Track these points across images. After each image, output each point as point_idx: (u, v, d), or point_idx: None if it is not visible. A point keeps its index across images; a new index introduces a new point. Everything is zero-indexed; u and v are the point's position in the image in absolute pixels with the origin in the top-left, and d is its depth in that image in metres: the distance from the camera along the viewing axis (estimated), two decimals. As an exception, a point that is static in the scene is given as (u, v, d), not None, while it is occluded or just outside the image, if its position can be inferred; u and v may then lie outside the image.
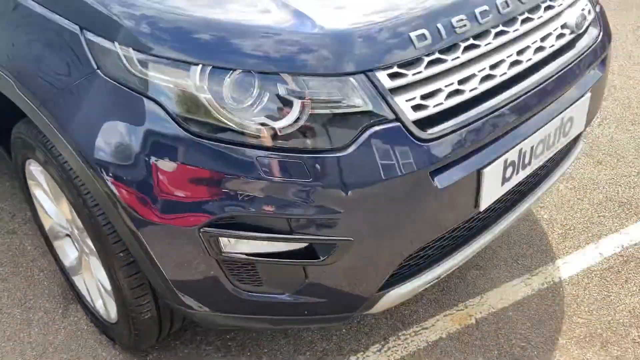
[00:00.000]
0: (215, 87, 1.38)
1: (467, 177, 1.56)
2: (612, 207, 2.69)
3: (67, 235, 2.15)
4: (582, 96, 1.86)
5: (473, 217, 1.74)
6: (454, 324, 2.17)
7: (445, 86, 1.51)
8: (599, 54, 1.95)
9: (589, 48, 1.89)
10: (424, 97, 1.48)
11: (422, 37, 1.47)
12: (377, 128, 1.42)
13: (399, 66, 1.45)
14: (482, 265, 2.40)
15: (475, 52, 1.57)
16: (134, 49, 1.43)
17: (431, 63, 1.49)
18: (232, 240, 1.47)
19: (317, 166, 1.39)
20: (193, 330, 2.14)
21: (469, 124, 1.54)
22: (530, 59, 1.69)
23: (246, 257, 1.49)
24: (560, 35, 1.80)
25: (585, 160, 2.99)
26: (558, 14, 1.80)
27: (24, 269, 2.42)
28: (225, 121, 1.39)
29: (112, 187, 1.47)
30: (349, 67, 1.41)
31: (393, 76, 1.44)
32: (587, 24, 1.90)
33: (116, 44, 1.45)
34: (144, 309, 1.75)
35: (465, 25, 1.54)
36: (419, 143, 1.46)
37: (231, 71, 1.38)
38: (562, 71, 1.78)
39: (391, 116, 1.43)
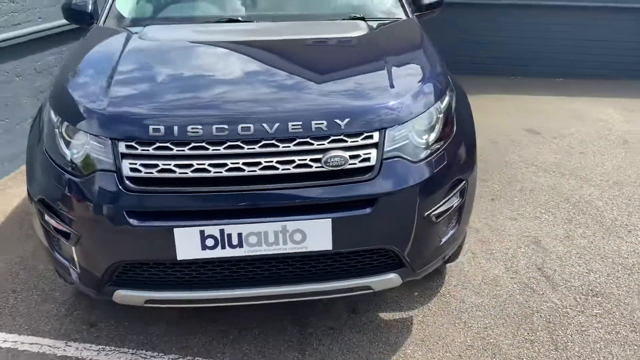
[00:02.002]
0: (61, 128, 2.50)
1: (160, 228, 2.27)
2: (482, 375, 2.64)
3: None
4: (319, 219, 2.28)
5: (200, 266, 2.39)
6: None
7: (163, 164, 2.28)
8: (360, 193, 2.31)
9: (340, 184, 2.30)
10: (143, 165, 2.29)
11: (157, 129, 2.30)
12: (103, 172, 2.32)
13: (137, 143, 2.31)
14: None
15: (201, 151, 2.28)
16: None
17: (161, 148, 2.29)
18: (45, 213, 2.53)
19: (71, 183, 2.38)
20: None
21: (168, 193, 2.27)
22: (253, 171, 2.27)
23: (53, 228, 2.52)
24: (305, 165, 2.29)
25: (521, 334, 2.88)
26: (313, 151, 2.30)
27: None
28: (59, 148, 2.49)
29: None
30: (107, 134, 2.35)
31: (128, 147, 2.31)
32: (351, 166, 2.31)
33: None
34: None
35: (198, 132, 2.29)
36: (124, 191, 2.28)
37: (66, 123, 2.48)
38: (290, 190, 2.28)
39: (114, 169, 2.31)
